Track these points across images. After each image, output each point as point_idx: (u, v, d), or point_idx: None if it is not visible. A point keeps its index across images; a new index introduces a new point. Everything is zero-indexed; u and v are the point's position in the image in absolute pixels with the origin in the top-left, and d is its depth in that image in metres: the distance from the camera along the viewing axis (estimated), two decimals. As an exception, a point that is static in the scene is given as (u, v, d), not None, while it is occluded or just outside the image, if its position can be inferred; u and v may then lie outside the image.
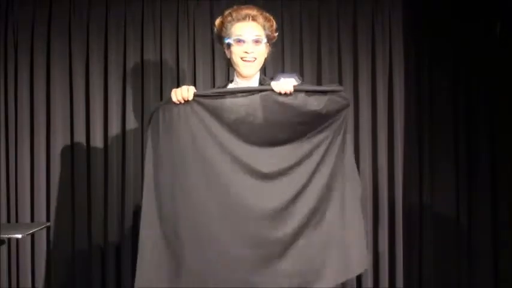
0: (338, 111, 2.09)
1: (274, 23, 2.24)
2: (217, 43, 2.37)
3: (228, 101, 1.99)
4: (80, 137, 3.32)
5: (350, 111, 3.33)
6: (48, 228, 3.21)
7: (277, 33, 2.28)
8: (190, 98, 1.99)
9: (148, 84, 3.35)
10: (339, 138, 2.13)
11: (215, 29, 2.27)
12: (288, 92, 1.98)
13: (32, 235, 3.19)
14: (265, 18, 2.20)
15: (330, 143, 2.10)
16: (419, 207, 3.39)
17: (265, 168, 2.02)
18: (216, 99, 1.99)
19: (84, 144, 3.33)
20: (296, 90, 1.99)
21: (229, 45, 2.18)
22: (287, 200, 2.03)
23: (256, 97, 1.98)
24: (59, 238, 3.29)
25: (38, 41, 3.31)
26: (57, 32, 3.32)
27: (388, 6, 3.43)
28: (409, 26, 3.43)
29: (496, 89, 3.38)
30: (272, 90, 1.98)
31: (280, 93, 1.97)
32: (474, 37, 3.41)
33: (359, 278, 3.36)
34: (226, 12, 2.21)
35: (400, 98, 3.42)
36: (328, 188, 2.10)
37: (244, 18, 2.16)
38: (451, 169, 3.40)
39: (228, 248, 1.99)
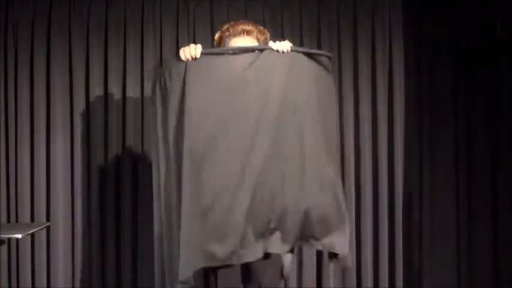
0: (326, 77, 2.29)
1: (268, 35, 2.41)
2: None
3: (231, 59, 2.17)
4: (80, 137, 3.32)
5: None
6: (48, 228, 3.21)
7: None
8: (198, 55, 2.14)
9: (148, 83, 3.34)
10: (327, 104, 2.29)
11: (215, 43, 2.42)
12: (285, 50, 2.15)
13: (32, 235, 3.18)
14: (259, 32, 2.36)
15: (317, 107, 2.23)
16: (419, 207, 3.39)
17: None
18: (221, 56, 2.17)
19: (85, 143, 3.33)
20: (293, 50, 2.18)
21: None
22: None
23: (258, 55, 2.15)
24: (59, 238, 3.29)
25: (38, 39, 3.31)
26: (57, 30, 3.32)
27: (388, 1, 3.43)
28: (409, 22, 3.43)
29: (496, 88, 3.39)
30: (271, 48, 2.16)
31: (277, 51, 2.15)
32: (474, 34, 3.41)
33: (359, 278, 3.37)
34: (224, 28, 2.37)
35: (400, 97, 3.42)
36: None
37: (239, 34, 2.32)
38: (451, 169, 3.40)
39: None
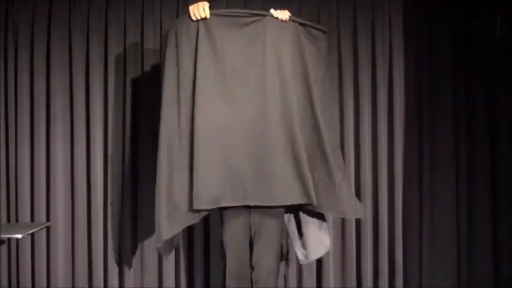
0: (318, 49, 2.57)
1: None
2: None
3: (237, 23, 2.40)
4: (80, 137, 3.32)
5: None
6: (48, 228, 3.21)
7: None
8: (208, 16, 2.38)
9: (148, 78, 3.34)
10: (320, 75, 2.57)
11: None
12: (284, 19, 2.44)
13: (32, 235, 3.19)
14: None
15: (313, 74, 2.50)
16: (419, 207, 3.39)
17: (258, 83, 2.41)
18: (228, 18, 2.41)
19: (84, 144, 3.33)
20: (291, 19, 2.47)
21: None
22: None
23: (261, 20, 2.41)
24: (59, 238, 3.29)
25: (38, 36, 3.31)
26: (57, 28, 3.32)
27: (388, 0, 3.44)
28: (409, 19, 3.43)
29: (496, 85, 3.38)
30: (272, 15, 2.43)
31: (277, 19, 2.43)
32: (474, 31, 3.40)
33: (359, 278, 3.37)
34: None
35: (400, 94, 3.41)
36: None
37: None
38: (451, 169, 3.39)
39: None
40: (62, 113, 3.32)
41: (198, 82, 2.38)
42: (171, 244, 2.60)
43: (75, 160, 3.31)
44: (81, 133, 3.32)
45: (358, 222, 3.38)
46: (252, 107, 2.40)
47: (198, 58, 2.39)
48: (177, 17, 3.34)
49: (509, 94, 3.35)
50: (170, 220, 2.39)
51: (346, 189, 2.52)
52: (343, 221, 3.38)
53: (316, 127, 2.47)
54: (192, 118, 2.39)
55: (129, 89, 3.35)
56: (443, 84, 3.41)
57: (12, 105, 3.32)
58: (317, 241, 2.58)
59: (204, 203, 2.35)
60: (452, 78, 3.41)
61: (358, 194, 3.38)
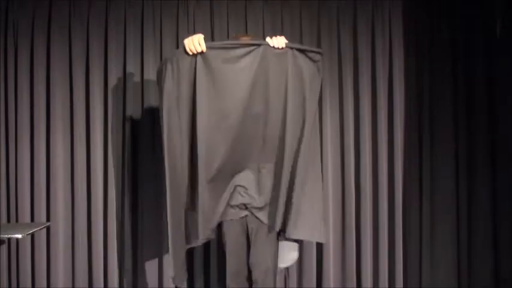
0: (314, 71, 2.54)
1: None
2: None
3: (233, 55, 2.36)
4: (80, 137, 3.32)
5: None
6: (48, 228, 3.21)
7: None
8: (204, 49, 2.34)
9: (148, 83, 3.34)
10: (314, 102, 2.56)
11: None
12: (280, 47, 2.39)
13: (32, 235, 3.19)
14: None
15: (307, 101, 2.49)
16: (419, 207, 3.39)
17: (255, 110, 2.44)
18: (224, 50, 2.37)
19: (84, 143, 3.33)
20: (287, 46, 2.43)
21: None
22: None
23: (257, 50, 2.37)
24: (59, 238, 3.29)
25: (38, 39, 3.31)
26: (57, 30, 3.32)
27: (388, 2, 3.44)
28: (409, 22, 3.44)
29: (497, 86, 3.38)
30: (268, 44, 2.39)
31: (274, 47, 2.39)
32: (474, 32, 3.41)
33: (359, 278, 3.37)
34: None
35: (400, 97, 3.42)
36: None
37: None
38: (451, 169, 3.39)
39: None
40: (62, 112, 3.32)
41: (198, 114, 2.37)
42: (184, 271, 2.63)
43: (75, 160, 3.31)
44: (81, 133, 3.32)
45: (358, 222, 3.38)
46: (250, 139, 2.45)
47: (196, 91, 2.36)
48: (177, 23, 3.36)
49: (510, 94, 3.35)
50: (177, 247, 2.49)
51: (306, 213, 2.53)
52: (343, 221, 3.38)
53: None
54: (191, 148, 2.44)
55: (129, 89, 3.34)
56: (443, 84, 3.41)
57: (12, 105, 3.32)
58: (285, 252, 2.60)
59: (206, 233, 2.48)
60: (452, 78, 3.42)
61: (358, 194, 3.39)
